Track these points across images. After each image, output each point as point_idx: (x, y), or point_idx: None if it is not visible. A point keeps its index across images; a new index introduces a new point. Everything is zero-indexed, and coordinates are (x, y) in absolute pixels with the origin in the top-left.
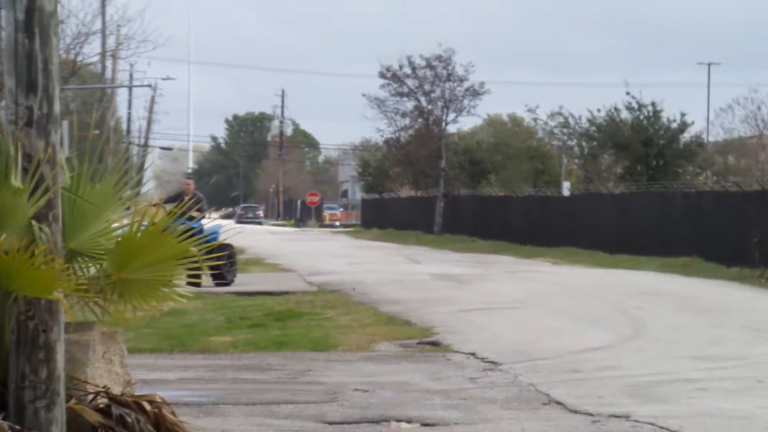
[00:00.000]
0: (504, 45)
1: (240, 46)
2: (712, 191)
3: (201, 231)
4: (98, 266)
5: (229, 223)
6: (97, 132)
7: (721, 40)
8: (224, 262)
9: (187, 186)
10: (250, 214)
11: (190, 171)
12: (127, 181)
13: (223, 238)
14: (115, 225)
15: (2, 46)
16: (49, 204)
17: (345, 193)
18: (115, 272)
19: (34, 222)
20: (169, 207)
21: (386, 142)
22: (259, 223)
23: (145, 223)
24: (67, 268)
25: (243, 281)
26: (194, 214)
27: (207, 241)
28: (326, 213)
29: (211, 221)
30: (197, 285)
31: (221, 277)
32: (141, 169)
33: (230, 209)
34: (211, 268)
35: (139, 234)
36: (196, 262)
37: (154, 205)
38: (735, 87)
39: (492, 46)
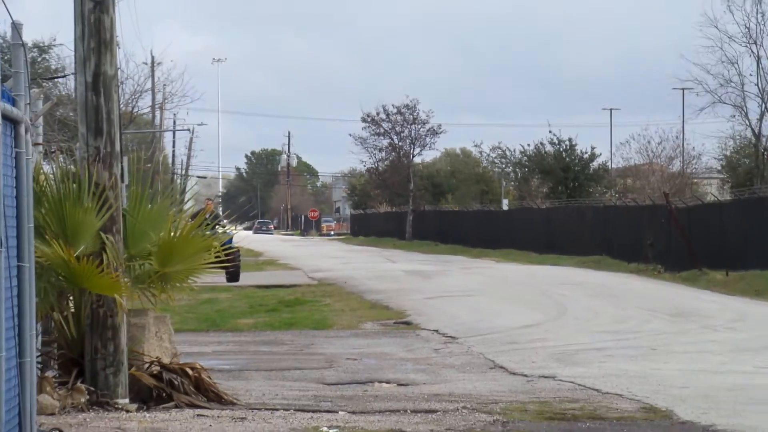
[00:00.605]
0: (456, 94)
1: (255, 98)
2: (615, 206)
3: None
4: (149, 264)
5: (248, 234)
6: (149, 165)
7: (620, 90)
8: (232, 264)
9: (209, 205)
10: (264, 227)
11: (219, 195)
12: (173, 202)
13: (236, 244)
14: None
15: (77, 101)
16: (112, 220)
17: (338, 210)
18: (160, 268)
19: (101, 233)
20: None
21: (368, 170)
22: (270, 234)
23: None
24: (130, 268)
25: (261, 277)
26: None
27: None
28: (324, 225)
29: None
30: (235, 279)
31: (234, 275)
32: (183, 192)
33: (250, 223)
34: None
35: (175, 238)
36: (218, 255)
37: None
38: (631, 126)
39: (447, 95)
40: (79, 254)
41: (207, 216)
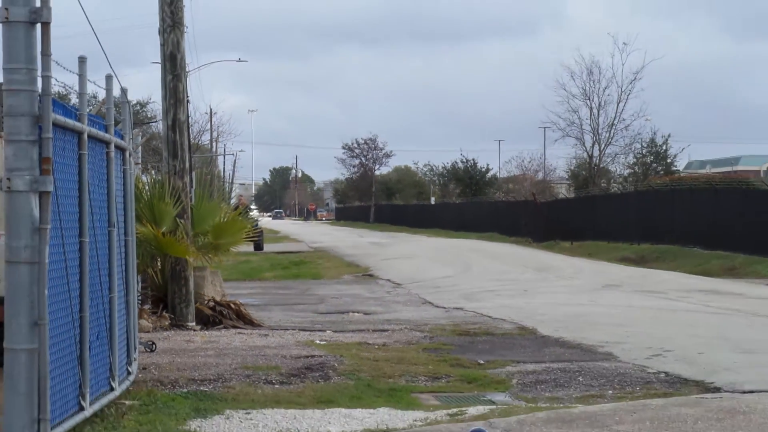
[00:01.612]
0: (402, 130)
1: (276, 134)
2: (502, 201)
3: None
4: (207, 238)
5: (269, 220)
6: (208, 176)
7: (506, 126)
8: (257, 238)
9: (242, 200)
10: (278, 215)
11: (252, 196)
12: (222, 200)
13: (261, 226)
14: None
15: (162, 137)
16: (183, 210)
17: (327, 204)
18: (214, 241)
19: (177, 219)
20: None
21: (346, 179)
22: (282, 219)
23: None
24: (195, 240)
25: (278, 247)
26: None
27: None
28: (319, 214)
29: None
30: (260, 248)
31: (258, 245)
32: (229, 194)
33: (271, 213)
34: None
35: (222, 222)
36: (248, 232)
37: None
38: (512, 151)
39: (397, 130)
40: (163, 232)
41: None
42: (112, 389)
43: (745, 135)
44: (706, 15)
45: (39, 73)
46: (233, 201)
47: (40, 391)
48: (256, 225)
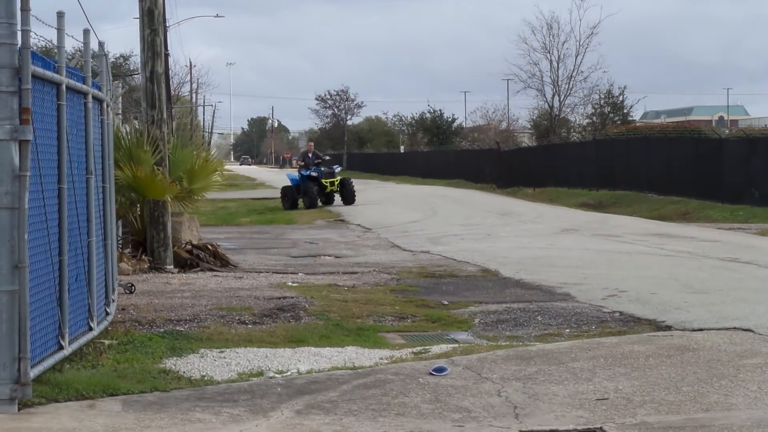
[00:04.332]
0: (373, 83)
1: (253, 86)
2: (467, 149)
3: (322, 172)
4: (183, 184)
5: (239, 166)
6: (187, 126)
7: (471, 79)
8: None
9: (310, 146)
10: (246, 161)
11: (231, 144)
12: (196, 148)
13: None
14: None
15: (141, 88)
16: (161, 158)
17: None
18: (189, 186)
19: (155, 167)
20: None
21: (320, 129)
22: (249, 166)
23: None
24: (172, 185)
25: (254, 193)
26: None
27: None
28: (293, 162)
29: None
30: (349, 202)
31: (346, 196)
32: (209, 144)
33: (239, 160)
34: (329, 193)
35: (195, 167)
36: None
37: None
38: (477, 102)
39: (368, 83)
40: (141, 174)
41: (309, 154)
42: (90, 329)
43: (698, 87)
44: None
45: (19, 27)
46: (214, 152)
47: (21, 331)
48: (335, 172)
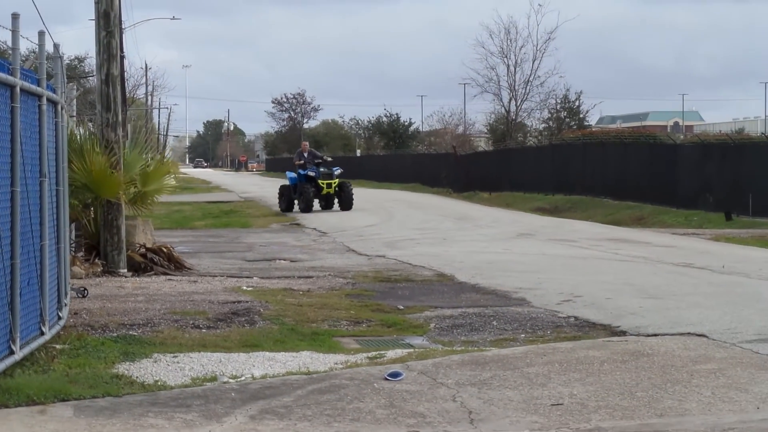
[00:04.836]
0: (330, 85)
1: (209, 90)
2: (424, 153)
3: (319, 172)
4: (137, 186)
5: (193, 170)
6: (143, 129)
7: (428, 83)
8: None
9: (304, 145)
10: (200, 165)
11: (186, 147)
12: (150, 151)
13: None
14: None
15: (97, 90)
16: (116, 161)
17: (258, 156)
18: (142, 188)
19: (109, 168)
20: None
21: (276, 132)
22: (204, 168)
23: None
24: (126, 187)
25: (209, 197)
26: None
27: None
28: (250, 165)
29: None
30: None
31: (344, 201)
32: (164, 147)
33: (193, 163)
34: (327, 195)
35: (149, 169)
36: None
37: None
38: (434, 106)
39: (324, 86)
40: (95, 170)
41: (304, 153)
42: (42, 333)
43: (654, 92)
44: None
45: None
46: (168, 154)
47: None
48: (339, 173)
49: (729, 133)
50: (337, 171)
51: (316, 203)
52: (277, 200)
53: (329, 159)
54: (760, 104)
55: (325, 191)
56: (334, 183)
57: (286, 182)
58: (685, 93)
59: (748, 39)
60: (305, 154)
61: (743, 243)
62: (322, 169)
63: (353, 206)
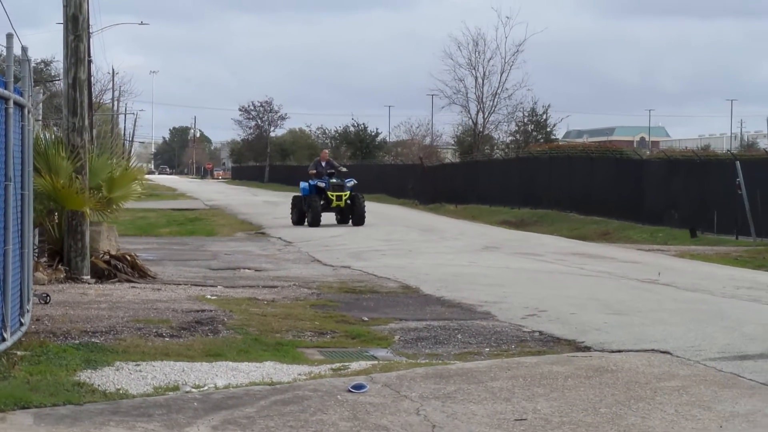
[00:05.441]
0: (298, 94)
1: (176, 96)
2: (390, 164)
3: (329, 183)
4: (102, 193)
5: (158, 176)
6: (109, 134)
7: (395, 93)
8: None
9: (324, 153)
10: (164, 171)
11: (152, 153)
12: (116, 157)
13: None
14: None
15: (63, 94)
16: (81, 166)
17: (224, 163)
18: (107, 194)
19: (73, 174)
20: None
21: (243, 140)
22: (168, 175)
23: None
24: (91, 194)
25: (175, 204)
26: (330, 171)
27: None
28: (216, 172)
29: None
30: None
31: (356, 215)
32: (130, 152)
33: (158, 169)
34: (339, 208)
35: (114, 175)
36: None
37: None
38: (401, 117)
39: (292, 94)
40: (60, 185)
41: (322, 163)
42: (3, 340)
43: (621, 107)
44: None
45: None
46: (134, 161)
47: None
48: (351, 185)
49: (695, 150)
50: (350, 182)
51: (331, 216)
52: (290, 212)
53: (344, 169)
54: (725, 121)
55: (334, 204)
56: (345, 195)
57: (299, 193)
58: (651, 108)
59: (714, 56)
60: (323, 164)
61: (708, 260)
62: (333, 180)
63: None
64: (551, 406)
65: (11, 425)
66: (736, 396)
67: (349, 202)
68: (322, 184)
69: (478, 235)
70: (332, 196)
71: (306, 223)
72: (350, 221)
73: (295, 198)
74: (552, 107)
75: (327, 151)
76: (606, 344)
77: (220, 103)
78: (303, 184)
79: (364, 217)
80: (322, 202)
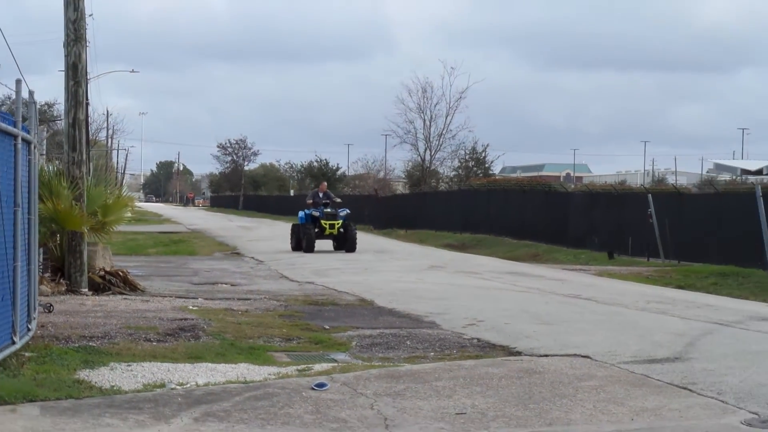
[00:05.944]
0: (267, 131)
1: (161, 133)
2: (350, 195)
3: (323, 213)
4: (98, 218)
5: (144, 204)
6: (103, 168)
7: (353, 133)
8: (339, 231)
9: (322, 185)
10: (151, 200)
11: (141, 184)
12: (110, 187)
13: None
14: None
15: (64, 132)
16: (79, 194)
17: (204, 193)
18: (102, 219)
19: (73, 201)
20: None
21: (220, 173)
22: (154, 203)
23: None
24: (88, 218)
25: (161, 227)
26: (326, 201)
27: (336, 218)
28: (196, 201)
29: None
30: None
31: (348, 242)
32: (121, 183)
33: (146, 197)
34: (333, 236)
35: (109, 202)
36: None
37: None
38: (359, 153)
39: (262, 132)
40: (62, 209)
41: (320, 194)
42: (14, 343)
43: (549, 147)
44: (516, 48)
45: None
46: (125, 190)
47: None
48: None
49: (613, 184)
50: (343, 212)
51: (328, 243)
52: (289, 239)
53: (338, 200)
54: (639, 159)
55: (327, 231)
56: (338, 224)
57: (298, 222)
58: (576, 148)
59: (630, 103)
60: (321, 194)
61: (623, 278)
62: (327, 210)
63: (357, 248)
64: (487, 402)
65: (21, 416)
66: (646, 393)
67: (342, 230)
68: (316, 213)
69: (424, 256)
70: (325, 224)
71: (302, 249)
72: (344, 248)
73: (294, 226)
74: (490, 146)
75: (325, 183)
76: (535, 349)
77: (200, 140)
78: (300, 213)
79: (355, 245)
80: (316, 230)
